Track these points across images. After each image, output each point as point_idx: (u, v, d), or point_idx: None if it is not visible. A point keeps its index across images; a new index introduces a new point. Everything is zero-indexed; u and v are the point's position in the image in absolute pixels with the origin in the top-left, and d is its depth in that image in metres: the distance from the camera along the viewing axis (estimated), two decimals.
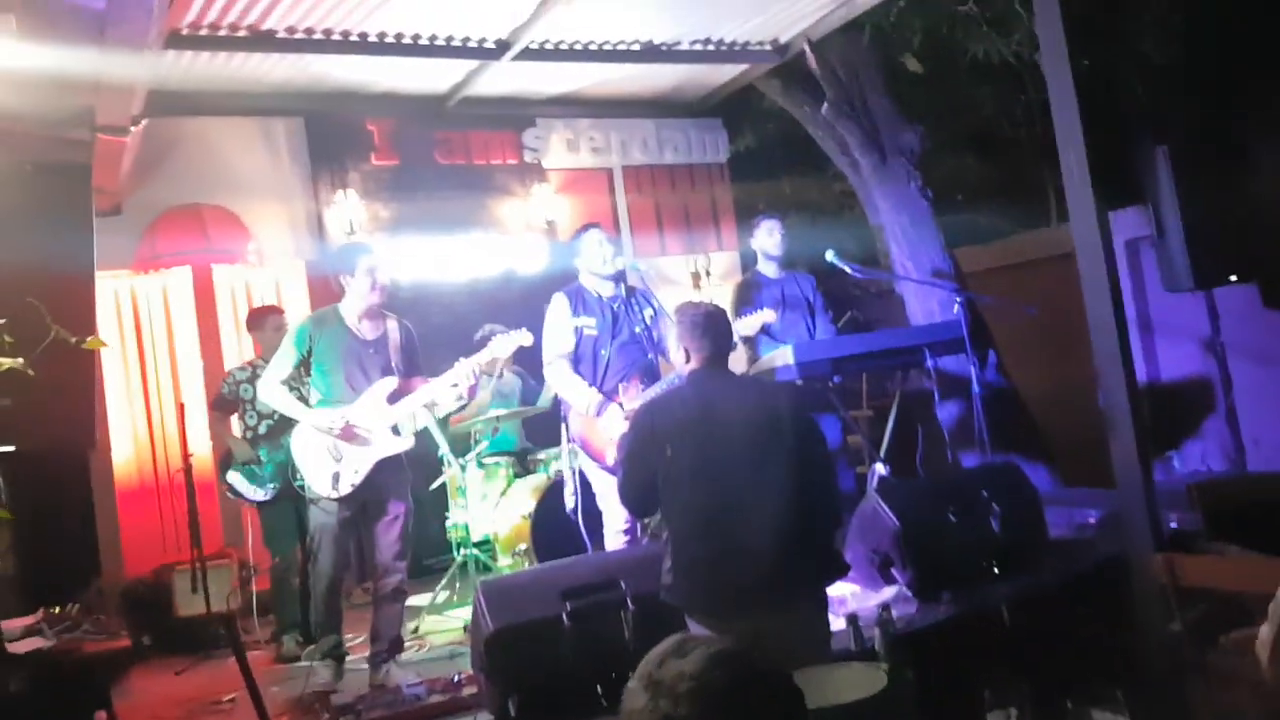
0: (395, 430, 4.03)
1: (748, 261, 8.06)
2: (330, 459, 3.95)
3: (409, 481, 4.16)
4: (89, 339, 2.51)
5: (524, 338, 4.27)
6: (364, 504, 4.03)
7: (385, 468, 4.01)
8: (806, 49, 6.32)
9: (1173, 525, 3.65)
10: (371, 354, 4.05)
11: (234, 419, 5.04)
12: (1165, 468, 6.27)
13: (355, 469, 3.95)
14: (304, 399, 4.15)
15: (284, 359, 4.05)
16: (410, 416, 4.13)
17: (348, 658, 4.32)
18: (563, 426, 4.44)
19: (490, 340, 4.26)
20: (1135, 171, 5.49)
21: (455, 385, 4.07)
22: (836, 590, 4.37)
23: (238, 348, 5.94)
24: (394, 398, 4.03)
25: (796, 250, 5.63)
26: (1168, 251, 5.18)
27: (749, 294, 5.18)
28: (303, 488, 4.11)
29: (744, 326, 4.55)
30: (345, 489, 3.94)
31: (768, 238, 5.28)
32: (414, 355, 4.21)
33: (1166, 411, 6.46)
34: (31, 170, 2.72)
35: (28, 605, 4.41)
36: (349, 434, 3.92)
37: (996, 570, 4.01)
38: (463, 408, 5.36)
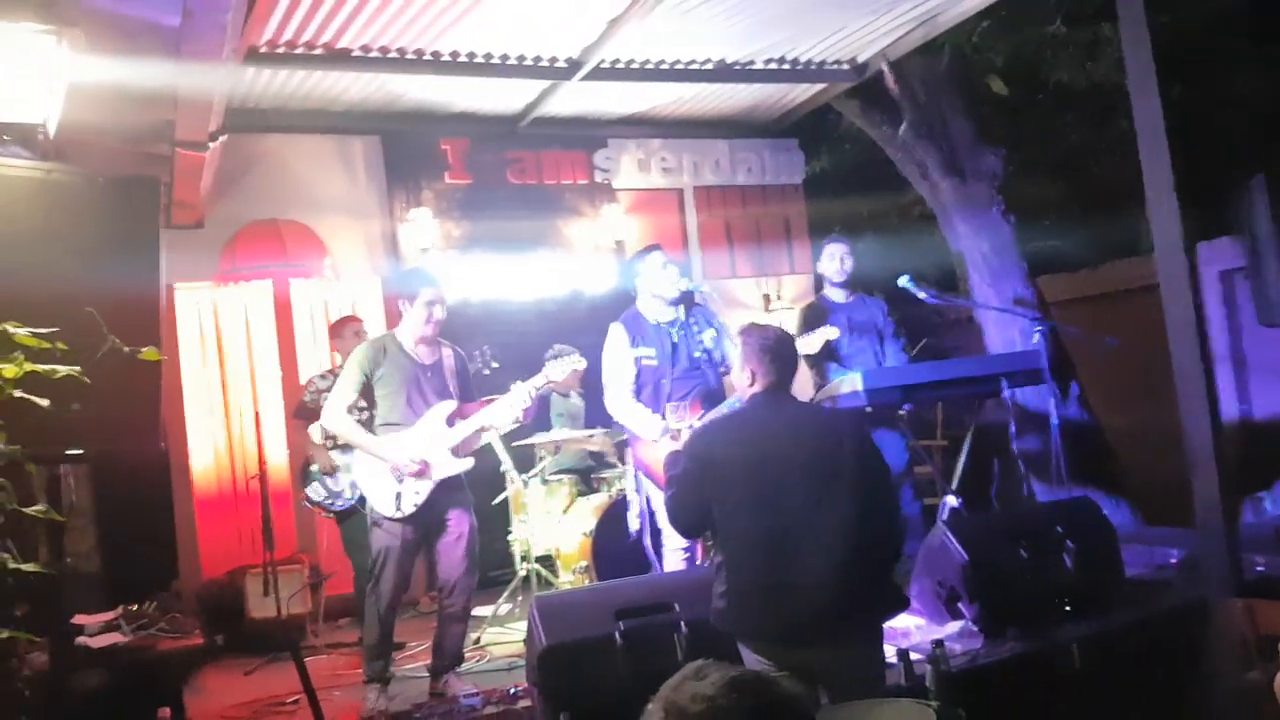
0: (455, 452, 4.05)
1: (820, 285, 7.99)
2: (393, 479, 3.99)
3: (470, 501, 4.18)
4: (144, 350, 2.59)
5: (578, 362, 4.31)
6: (427, 524, 4.05)
7: (446, 488, 4.04)
8: (885, 68, 6.25)
9: (1259, 569, 3.47)
10: (430, 377, 4.10)
11: (314, 427, 5.13)
12: (1255, 509, 5.97)
13: (417, 490, 3.98)
14: (367, 421, 4.20)
15: (347, 385, 4.07)
16: (470, 438, 4.13)
17: (407, 667, 4.38)
18: (628, 453, 4.45)
19: (545, 364, 4.28)
20: (1231, 201, 5.29)
21: (511, 408, 4.08)
22: (900, 622, 4.27)
23: (314, 360, 6.07)
24: (451, 420, 4.07)
25: (870, 274, 5.55)
26: (1263, 284, 4.98)
27: (815, 318, 5.08)
28: (365, 506, 4.15)
29: (806, 345, 4.46)
30: (408, 509, 3.97)
31: (831, 262, 5.19)
32: (468, 381, 4.26)
33: (1259, 450, 6.17)
34: (102, 184, 2.83)
35: (108, 603, 4.59)
36: (421, 468, 3.96)
37: (1067, 608, 3.87)
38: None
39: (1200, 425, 3.35)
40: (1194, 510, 3.46)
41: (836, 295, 5.21)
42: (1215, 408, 3.39)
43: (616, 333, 4.31)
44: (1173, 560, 4.62)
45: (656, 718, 1.19)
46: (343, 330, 5.22)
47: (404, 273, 4.26)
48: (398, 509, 3.96)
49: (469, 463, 4.08)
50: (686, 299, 4.36)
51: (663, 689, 1.22)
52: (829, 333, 4.57)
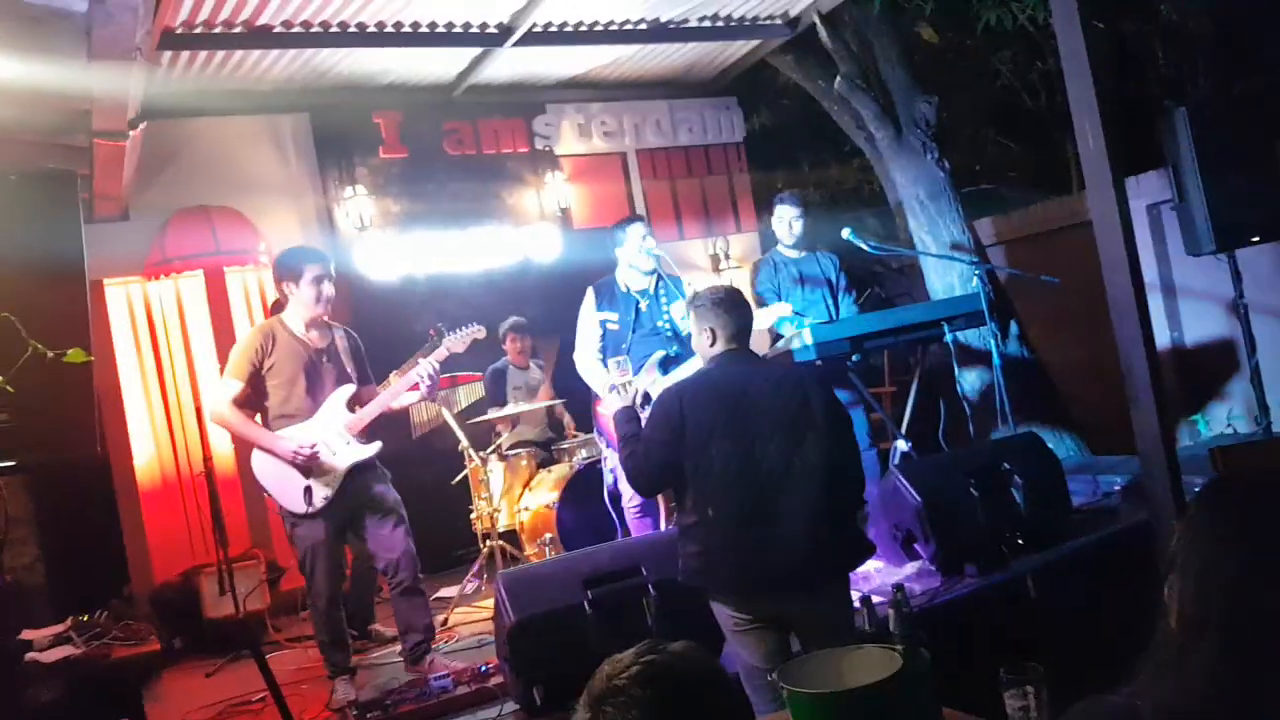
0: (360, 438, 3.90)
1: (767, 243, 8.01)
2: (297, 474, 3.79)
3: (387, 477, 4.01)
4: (70, 352, 2.49)
5: (478, 332, 4.21)
6: (349, 511, 3.89)
7: (359, 472, 3.88)
8: (817, 21, 6.24)
9: (1197, 490, 3.58)
10: (325, 361, 3.92)
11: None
12: (1190, 432, 6.19)
13: (326, 481, 3.81)
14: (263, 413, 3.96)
15: (233, 375, 3.82)
16: (375, 420, 3.97)
17: (375, 655, 4.35)
18: (593, 418, 4.52)
19: (444, 339, 4.13)
20: (1155, 135, 5.39)
21: (415, 385, 3.96)
22: (860, 568, 4.38)
23: None
24: (352, 405, 3.92)
25: (816, 229, 5.57)
26: (1189, 215, 5.10)
27: (767, 274, 5.13)
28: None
29: (760, 320, 4.54)
30: (319, 503, 3.80)
31: (780, 224, 5.19)
32: (364, 362, 4.10)
33: (1190, 375, 6.37)
34: (15, 180, 2.71)
35: (57, 615, 4.47)
36: (313, 459, 3.77)
37: (1020, 542, 3.98)
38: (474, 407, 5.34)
39: (1137, 356, 3.44)
40: (1135, 438, 3.56)
41: (789, 251, 5.24)
42: (1150, 338, 3.47)
43: (588, 296, 4.50)
44: (1116, 488, 4.77)
45: (583, 715, 1.21)
46: None
47: (284, 253, 3.98)
48: (309, 505, 3.78)
49: (376, 446, 3.93)
50: (657, 268, 4.46)
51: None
52: (781, 309, 4.64)
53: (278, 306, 5.09)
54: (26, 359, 2.37)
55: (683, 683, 1.21)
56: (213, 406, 3.96)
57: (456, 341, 4.13)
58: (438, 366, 3.98)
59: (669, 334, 4.41)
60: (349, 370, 4.00)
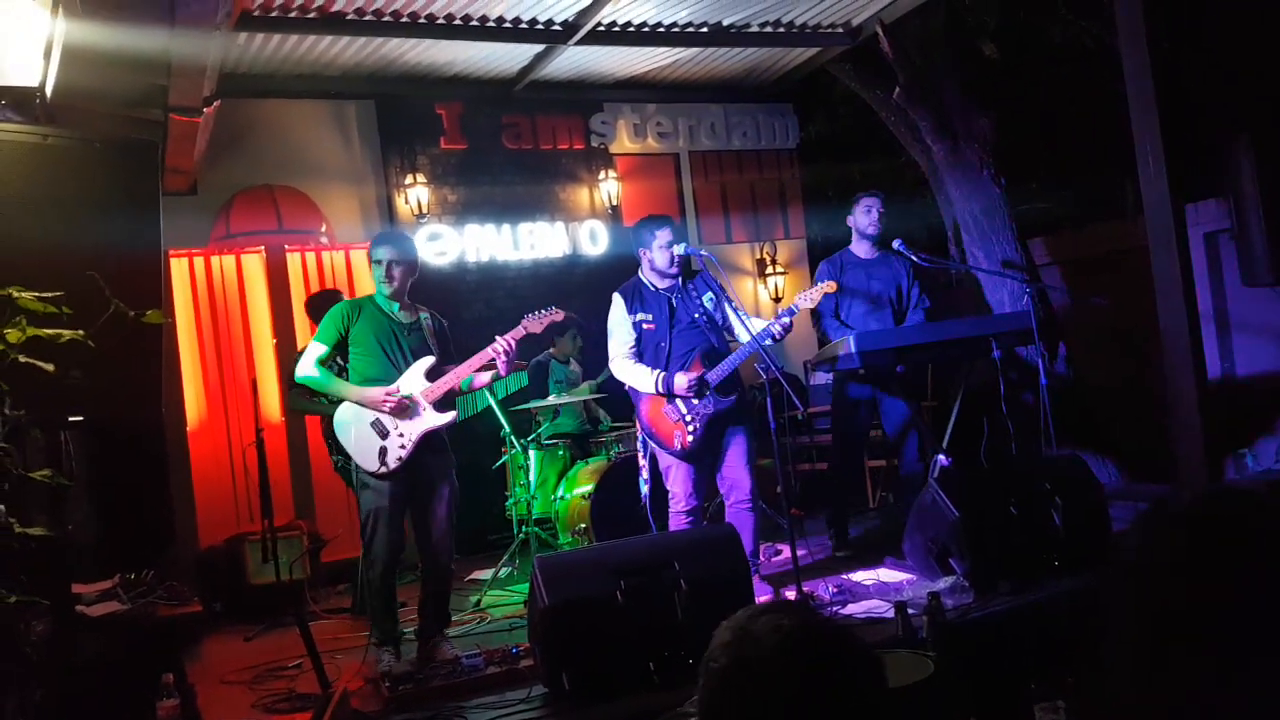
0: (437, 407, 4.07)
1: (814, 249, 8.00)
2: (375, 435, 3.99)
3: (453, 464, 4.18)
4: (149, 313, 2.59)
5: (555, 314, 4.30)
6: (414, 482, 4.06)
7: (429, 447, 4.04)
8: (879, 32, 6.24)
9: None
10: (408, 334, 4.13)
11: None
12: (1238, 465, 6.09)
13: (401, 444, 3.99)
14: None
15: (323, 338, 4.10)
16: (451, 392, 4.14)
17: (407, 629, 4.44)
18: (635, 418, 4.50)
19: (523, 319, 4.24)
20: (1216, 163, 5.33)
21: (491, 361, 4.09)
22: (892, 577, 4.38)
23: (308, 327, 6.07)
24: (432, 374, 4.08)
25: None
26: (1248, 245, 5.03)
27: (832, 271, 5.04)
28: (347, 469, 4.12)
29: (805, 298, 4.47)
30: (393, 463, 3.97)
31: (868, 215, 5.07)
32: (448, 343, 4.26)
33: (1240, 409, 6.27)
34: (100, 148, 2.82)
35: (105, 571, 4.60)
36: (400, 407, 3.98)
37: (1057, 563, 3.96)
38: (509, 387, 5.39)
39: (1185, 384, 3.43)
40: (1178, 467, 3.53)
41: (860, 250, 5.17)
42: (1201, 367, 3.45)
43: (616, 302, 4.42)
44: None
45: (723, 638, 1.20)
46: (325, 305, 5.09)
47: (375, 235, 4.30)
48: (383, 464, 3.96)
49: (452, 415, 4.08)
50: (685, 266, 4.42)
51: (736, 616, 1.22)
52: (827, 287, 4.55)
53: (320, 295, 5.24)
54: (107, 318, 2.47)
55: (848, 645, 1.20)
56: (300, 368, 4.17)
57: (534, 322, 4.24)
58: (514, 344, 4.10)
59: (706, 325, 4.35)
60: (431, 346, 4.16)
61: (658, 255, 4.34)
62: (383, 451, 3.98)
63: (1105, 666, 1.10)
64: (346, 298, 5.22)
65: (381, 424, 3.99)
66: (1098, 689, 1.12)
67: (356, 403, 4.02)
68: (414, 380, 4.05)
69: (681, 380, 4.17)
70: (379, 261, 4.07)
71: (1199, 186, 6.02)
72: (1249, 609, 0.98)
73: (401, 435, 4.00)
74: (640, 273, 4.48)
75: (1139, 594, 1.08)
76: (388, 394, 3.96)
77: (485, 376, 4.19)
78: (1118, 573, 1.11)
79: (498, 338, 4.09)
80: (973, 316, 6.31)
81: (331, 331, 4.08)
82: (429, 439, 4.03)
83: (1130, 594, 1.09)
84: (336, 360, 4.17)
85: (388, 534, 4.02)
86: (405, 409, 4.00)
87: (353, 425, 4.04)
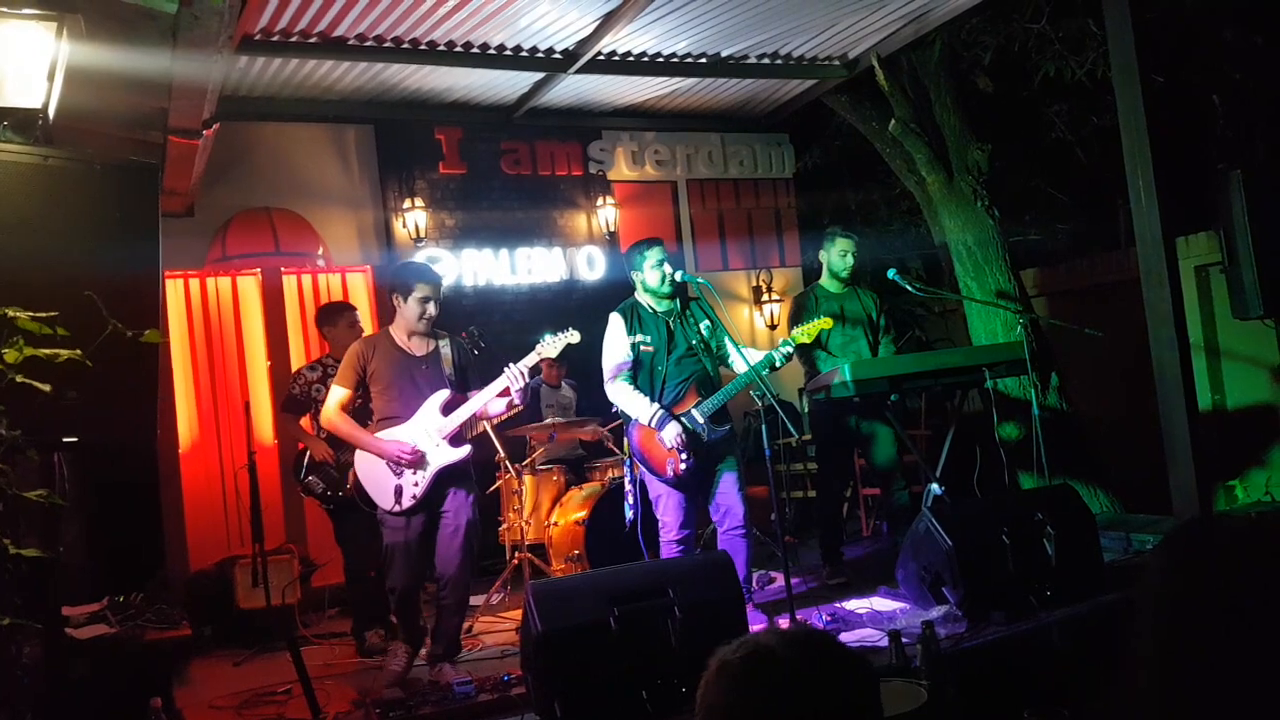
0: (451, 441, 4.08)
1: (811, 277, 8.05)
2: (391, 474, 4.03)
3: (474, 491, 4.17)
4: (147, 332, 2.58)
5: (571, 337, 4.30)
6: (432, 517, 4.09)
7: (448, 477, 4.06)
8: (875, 65, 6.32)
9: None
10: (424, 369, 4.13)
11: (308, 419, 5.04)
12: (1228, 497, 6.11)
13: (416, 482, 4.02)
14: (365, 416, 4.23)
15: (342, 383, 4.15)
16: (467, 424, 4.15)
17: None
18: (625, 441, 4.50)
19: (538, 344, 4.27)
20: (1208, 197, 5.39)
21: (506, 390, 4.09)
22: (885, 606, 4.37)
23: (303, 350, 6.09)
24: (447, 409, 4.09)
25: (859, 267, 5.61)
26: (1238, 278, 5.07)
27: (807, 307, 5.14)
28: (369, 504, 4.15)
29: (802, 333, 4.51)
30: (408, 502, 4.01)
31: (840, 259, 5.18)
32: (467, 370, 4.26)
33: (1231, 440, 6.30)
34: (100, 170, 2.83)
35: (93, 593, 4.56)
36: (416, 458, 4.00)
37: (1049, 592, 3.96)
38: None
39: (1178, 415, 3.45)
40: (1170, 497, 3.55)
41: (832, 285, 5.25)
42: (1192, 399, 3.48)
43: (615, 321, 4.40)
44: (1149, 546, 4.73)
45: (710, 670, 1.20)
46: (336, 318, 5.07)
47: (400, 266, 4.26)
48: (398, 502, 4.00)
49: (466, 450, 4.09)
50: (681, 291, 4.44)
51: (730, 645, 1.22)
52: (823, 323, 4.61)
53: (332, 309, 5.22)
54: (104, 338, 2.47)
55: (834, 649, 1.19)
56: (324, 413, 4.22)
57: (549, 346, 4.25)
58: (527, 371, 4.09)
59: (703, 351, 4.36)
60: (447, 377, 4.16)
61: (649, 275, 4.37)
62: (398, 490, 4.02)
63: (1121, 692, 1.11)
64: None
65: (398, 463, 4.02)
66: (1107, 715, 1.12)
67: (376, 455, 4.04)
68: (429, 417, 4.07)
69: (671, 434, 4.16)
70: (421, 299, 4.06)
71: (1190, 219, 6.09)
72: (1261, 640, 1.00)
73: (416, 473, 4.03)
74: (636, 295, 4.49)
75: (1159, 621, 1.09)
76: (400, 451, 3.98)
77: (501, 404, 4.18)
78: (1141, 599, 1.12)
79: (509, 365, 4.07)
80: (965, 346, 6.36)
81: (350, 374, 4.14)
82: (443, 473, 4.05)
83: (1150, 621, 1.10)
84: (356, 401, 4.21)
85: (404, 564, 4.05)
86: (420, 455, 4.02)
87: (368, 464, 4.09)
